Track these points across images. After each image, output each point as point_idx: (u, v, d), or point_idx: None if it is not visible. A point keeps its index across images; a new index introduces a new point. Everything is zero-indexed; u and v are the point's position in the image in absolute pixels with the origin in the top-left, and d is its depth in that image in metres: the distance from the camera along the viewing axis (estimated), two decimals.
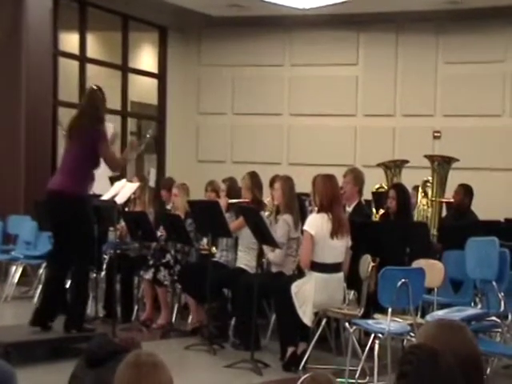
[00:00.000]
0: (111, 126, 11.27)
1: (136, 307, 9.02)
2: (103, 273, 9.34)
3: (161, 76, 15.28)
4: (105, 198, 8.33)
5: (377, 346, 6.29)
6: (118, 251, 8.93)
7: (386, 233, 7.84)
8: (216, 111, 15.12)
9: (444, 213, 10.13)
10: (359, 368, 6.49)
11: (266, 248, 7.58)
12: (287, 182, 7.87)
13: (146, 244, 9.15)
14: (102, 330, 7.65)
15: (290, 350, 7.12)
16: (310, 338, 7.06)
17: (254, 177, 8.38)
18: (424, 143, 13.11)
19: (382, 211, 8.84)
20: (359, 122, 14.22)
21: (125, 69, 14.45)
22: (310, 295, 6.92)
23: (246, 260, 8.14)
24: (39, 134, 11.69)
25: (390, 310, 6.31)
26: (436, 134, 13.61)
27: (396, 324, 6.47)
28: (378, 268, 6.91)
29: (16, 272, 10.32)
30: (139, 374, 2.43)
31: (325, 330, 7.25)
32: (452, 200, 9.69)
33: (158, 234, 8.91)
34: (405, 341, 6.85)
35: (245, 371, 7.00)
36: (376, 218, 8.85)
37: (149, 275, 8.73)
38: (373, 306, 7.11)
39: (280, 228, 7.65)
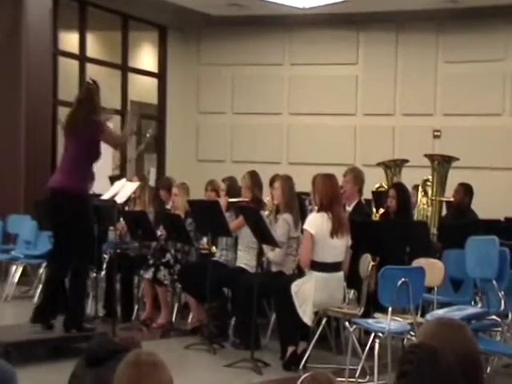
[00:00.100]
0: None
1: (136, 307, 9.02)
2: (103, 272, 9.35)
3: (161, 75, 15.28)
4: (105, 197, 8.34)
5: (377, 345, 6.29)
6: (118, 250, 8.92)
7: (386, 232, 7.84)
8: (216, 110, 15.12)
9: (444, 212, 10.13)
10: (359, 367, 6.50)
11: (265, 247, 7.58)
12: (287, 181, 7.87)
13: (145, 243, 9.15)
14: (102, 329, 7.66)
15: (290, 349, 7.12)
16: (310, 338, 7.06)
17: (253, 176, 8.38)
18: (424, 142, 13.11)
19: (382, 210, 8.84)
20: (359, 122, 14.22)
21: (125, 68, 14.45)
22: (310, 294, 6.92)
23: (245, 259, 8.14)
24: (39, 133, 11.69)
25: (390, 309, 6.31)
26: (436, 133, 13.61)
27: (396, 323, 6.47)
28: (378, 267, 6.92)
29: (16, 271, 10.32)
30: (139, 374, 2.43)
31: (325, 329, 7.26)
32: (452, 199, 9.69)
33: (158, 233, 8.92)
34: (405, 340, 6.85)
35: (245, 370, 7.00)
36: (376, 217, 8.85)
37: (149, 274, 8.73)
38: (373, 305, 7.11)
39: (280, 227, 7.65)
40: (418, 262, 7.01)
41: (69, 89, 13.14)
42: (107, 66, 14.31)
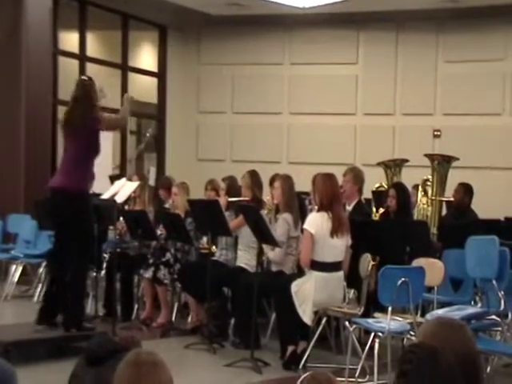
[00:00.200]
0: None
1: (136, 306, 9.02)
2: (103, 271, 9.34)
3: (160, 75, 15.28)
4: (105, 196, 8.34)
5: (377, 345, 6.29)
6: (118, 250, 8.93)
7: (385, 232, 7.84)
8: (216, 110, 15.12)
9: (444, 212, 10.13)
10: (359, 367, 6.50)
11: (265, 247, 7.58)
12: (287, 180, 7.87)
13: (145, 243, 9.15)
14: (102, 328, 7.66)
15: (290, 348, 7.12)
16: (309, 337, 7.06)
17: (253, 175, 8.38)
18: (424, 142, 13.11)
19: (381, 210, 8.84)
20: (359, 121, 14.22)
21: (125, 68, 14.45)
22: (309, 294, 6.92)
23: (245, 259, 8.14)
24: (39, 133, 11.69)
25: (389, 308, 6.31)
26: (436, 133, 13.61)
27: (396, 323, 6.47)
28: (377, 267, 6.92)
29: (16, 271, 10.32)
30: (139, 373, 2.43)
31: (325, 328, 7.26)
32: (452, 199, 9.69)
33: (158, 232, 8.92)
34: (405, 340, 6.85)
35: (245, 370, 7.00)
36: (376, 216, 8.85)
37: (149, 274, 8.73)
38: (373, 305, 7.12)
39: (280, 227, 7.65)
40: (418, 262, 7.01)
41: (69, 88, 13.09)
42: (107, 66, 14.30)
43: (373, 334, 6.41)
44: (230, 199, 8.40)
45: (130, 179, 9.13)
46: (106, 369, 2.80)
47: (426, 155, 10.03)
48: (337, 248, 7.02)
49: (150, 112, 15.71)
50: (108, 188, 8.62)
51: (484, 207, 9.87)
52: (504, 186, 12.74)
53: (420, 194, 9.82)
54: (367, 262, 6.99)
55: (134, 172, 12.66)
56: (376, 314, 6.81)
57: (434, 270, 6.96)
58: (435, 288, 7.21)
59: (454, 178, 9.79)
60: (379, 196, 9.67)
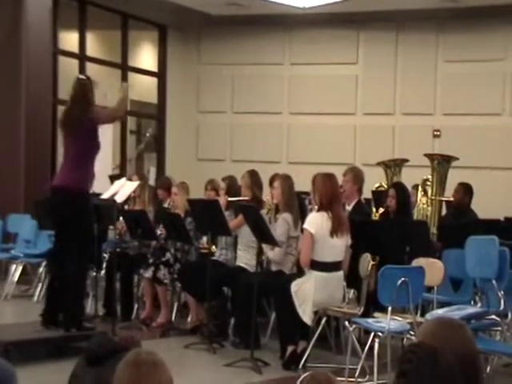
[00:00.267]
0: (110, 124, 11.27)
1: (136, 306, 9.02)
2: (103, 271, 9.34)
3: (160, 75, 15.28)
4: (105, 196, 8.34)
5: (376, 345, 6.29)
6: (118, 250, 8.93)
7: (385, 231, 7.85)
8: (216, 110, 15.12)
9: (444, 211, 10.13)
10: (359, 367, 6.50)
11: (265, 246, 7.58)
12: (286, 180, 7.87)
13: (145, 242, 9.15)
14: (102, 328, 7.66)
15: (290, 348, 7.12)
16: (309, 337, 7.06)
17: (253, 175, 8.38)
18: (424, 142, 13.11)
19: (381, 210, 8.84)
20: (359, 121, 14.22)
21: (124, 67, 14.45)
22: (309, 294, 6.92)
23: (245, 259, 8.14)
24: (39, 132, 11.69)
25: (389, 308, 6.31)
26: (436, 133, 13.61)
27: (396, 323, 6.48)
28: (377, 267, 6.93)
29: (16, 270, 10.32)
30: (139, 373, 2.43)
31: (325, 328, 7.26)
32: (452, 199, 9.68)
33: (158, 232, 8.92)
34: (404, 339, 6.85)
35: (244, 370, 7.00)
36: (376, 216, 8.85)
37: (148, 274, 8.73)
38: (372, 305, 7.12)
39: (279, 226, 7.65)
40: (418, 262, 7.01)
41: (69, 88, 13.14)
42: (107, 66, 14.31)
43: (372, 334, 6.42)
44: (230, 199, 8.40)
45: (129, 179, 9.14)
46: (106, 369, 2.80)
47: (425, 155, 10.03)
48: (336, 248, 7.02)
49: (149, 112, 15.72)
50: (108, 188, 8.62)
51: (484, 207, 9.87)
52: (504, 186, 12.74)
53: (420, 193, 9.82)
54: (367, 261, 6.99)
55: (134, 172, 12.67)
56: (376, 314, 6.81)
57: (433, 269, 6.96)
58: (435, 288, 7.22)
59: (454, 178, 9.79)
60: (379, 196, 9.67)
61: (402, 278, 6.28)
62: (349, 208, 8.15)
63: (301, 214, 7.87)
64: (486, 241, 7.00)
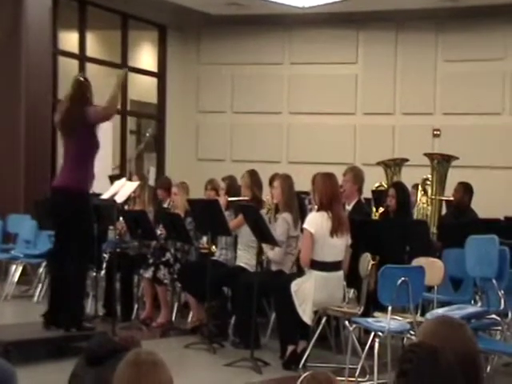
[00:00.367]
0: (110, 124, 11.29)
1: (136, 306, 9.02)
2: (103, 271, 9.34)
3: (160, 75, 15.28)
4: (105, 196, 8.34)
5: (377, 345, 6.29)
6: (118, 250, 8.93)
7: (385, 231, 7.84)
8: (215, 110, 15.13)
9: (444, 211, 10.13)
10: (359, 366, 6.49)
11: (265, 246, 7.58)
12: (286, 180, 7.87)
13: (145, 243, 9.15)
14: (102, 328, 7.66)
15: (290, 348, 7.12)
16: (309, 337, 7.06)
17: (253, 175, 8.38)
18: (424, 141, 13.11)
19: (381, 209, 8.84)
20: (359, 121, 14.22)
21: (124, 67, 14.42)
22: (309, 293, 6.92)
23: (245, 258, 8.14)
24: (39, 132, 11.69)
25: (389, 308, 6.31)
26: (436, 132, 13.61)
27: (396, 322, 6.47)
28: (377, 266, 6.92)
29: (16, 271, 10.32)
30: (139, 373, 2.43)
31: (325, 328, 7.26)
32: (452, 198, 9.68)
33: (158, 232, 8.92)
34: (405, 339, 6.85)
35: (244, 370, 7.00)
36: (376, 216, 8.85)
37: (148, 274, 8.73)
38: (373, 305, 7.11)
39: (279, 226, 7.65)
40: (418, 261, 7.01)
41: (68, 88, 13.14)
42: (107, 66, 14.30)
43: (373, 334, 6.41)
44: (230, 199, 8.40)
45: (129, 179, 9.13)
46: (106, 369, 2.80)
47: (425, 154, 10.03)
48: (336, 247, 7.02)
49: (149, 112, 15.73)
50: (108, 188, 8.62)
51: (484, 206, 9.87)
52: (504, 186, 12.74)
53: (420, 193, 9.82)
54: (367, 261, 6.99)
55: (134, 172, 12.66)
56: (376, 314, 6.81)
57: (433, 269, 6.96)
58: (435, 287, 7.21)
59: (454, 178, 9.79)
60: (379, 195, 9.66)
61: (402, 278, 6.28)
62: (349, 208, 8.15)
63: (301, 214, 7.87)
64: (486, 240, 7.00)
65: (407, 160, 10.28)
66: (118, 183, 8.51)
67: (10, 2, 11.77)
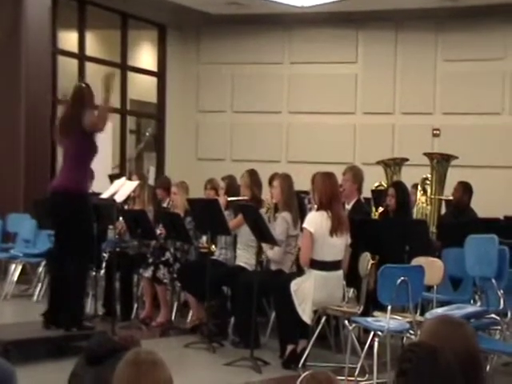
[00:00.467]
0: (110, 124, 11.27)
1: (135, 305, 9.01)
2: (103, 271, 9.34)
3: (160, 74, 15.28)
4: (104, 196, 8.35)
5: (376, 344, 6.29)
6: (118, 249, 8.93)
7: (385, 230, 7.84)
8: (215, 109, 15.12)
9: (443, 210, 10.14)
10: (358, 366, 6.49)
11: (264, 246, 7.58)
12: (286, 179, 7.87)
13: (145, 242, 9.15)
14: (102, 328, 7.65)
15: (290, 347, 7.12)
16: (309, 336, 7.05)
17: (253, 175, 8.38)
18: (423, 141, 13.11)
19: (381, 209, 8.84)
20: (358, 120, 14.22)
21: (124, 67, 14.45)
22: (309, 293, 6.92)
23: (245, 258, 8.14)
24: (39, 132, 11.68)
25: (389, 307, 6.31)
26: (435, 132, 13.62)
27: (395, 322, 6.47)
28: (377, 266, 6.92)
29: (15, 270, 10.32)
30: (139, 372, 2.44)
31: (324, 327, 7.26)
32: (451, 198, 9.69)
33: (158, 232, 8.92)
34: (404, 338, 6.84)
35: (244, 369, 7.00)
36: (375, 215, 8.85)
37: (148, 273, 8.73)
38: (372, 304, 7.11)
39: (279, 226, 7.65)
40: (418, 261, 7.01)
41: (68, 88, 13.14)
42: (106, 65, 14.28)
43: (372, 333, 6.41)
44: (230, 198, 8.40)
45: (129, 178, 9.13)
46: (106, 368, 2.80)
47: (425, 154, 10.03)
48: (336, 247, 7.02)
49: (149, 111, 15.72)
50: (107, 187, 8.62)
51: (483, 206, 9.87)
52: (503, 185, 12.75)
53: (419, 192, 9.82)
54: (366, 260, 6.99)
55: (134, 171, 12.66)
56: (375, 313, 6.81)
57: (433, 268, 6.96)
58: (434, 287, 7.22)
59: (454, 177, 9.79)
60: (379, 195, 9.67)
61: (402, 277, 6.28)
62: (348, 207, 8.15)
63: (300, 214, 7.87)
64: (485, 240, 7.00)
65: (407, 159, 10.27)
66: (117, 182, 8.51)
67: (9, 2, 11.77)
